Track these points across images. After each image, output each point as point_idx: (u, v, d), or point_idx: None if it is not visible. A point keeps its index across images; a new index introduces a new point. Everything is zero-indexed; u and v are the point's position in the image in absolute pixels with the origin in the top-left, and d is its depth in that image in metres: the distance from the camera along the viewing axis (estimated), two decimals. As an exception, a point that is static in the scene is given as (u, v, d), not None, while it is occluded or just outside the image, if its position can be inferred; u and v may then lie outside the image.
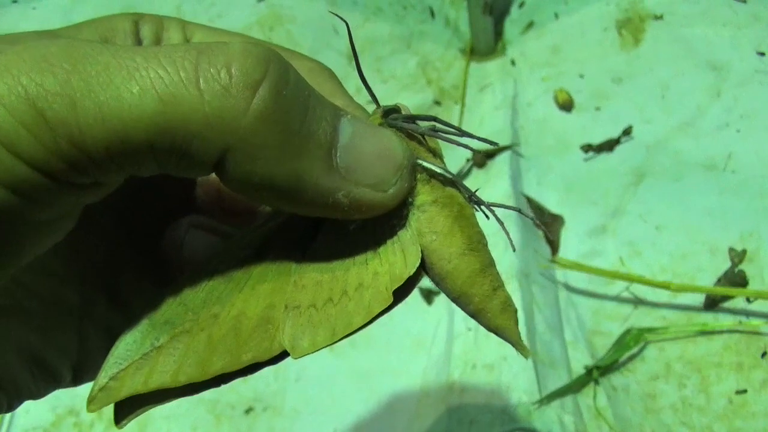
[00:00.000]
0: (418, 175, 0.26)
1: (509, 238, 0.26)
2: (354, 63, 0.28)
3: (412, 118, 0.26)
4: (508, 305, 0.26)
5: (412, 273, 0.25)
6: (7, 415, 0.78)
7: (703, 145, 0.85)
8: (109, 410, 0.26)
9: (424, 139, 0.27)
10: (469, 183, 0.90)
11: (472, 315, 0.26)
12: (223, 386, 0.26)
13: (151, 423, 0.77)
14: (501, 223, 0.26)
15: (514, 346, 0.26)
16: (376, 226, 0.26)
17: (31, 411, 0.79)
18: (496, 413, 0.67)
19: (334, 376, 0.78)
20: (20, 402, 0.28)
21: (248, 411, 0.76)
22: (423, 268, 0.26)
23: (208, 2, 1.11)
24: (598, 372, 0.71)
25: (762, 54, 0.89)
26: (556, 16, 1.05)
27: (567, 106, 0.95)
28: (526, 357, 0.26)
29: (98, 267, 0.30)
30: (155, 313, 0.26)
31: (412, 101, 0.98)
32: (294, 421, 0.75)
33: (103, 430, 0.77)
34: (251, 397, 0.77)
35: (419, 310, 0.81)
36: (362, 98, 0.29)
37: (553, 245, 0.84)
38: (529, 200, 0.87)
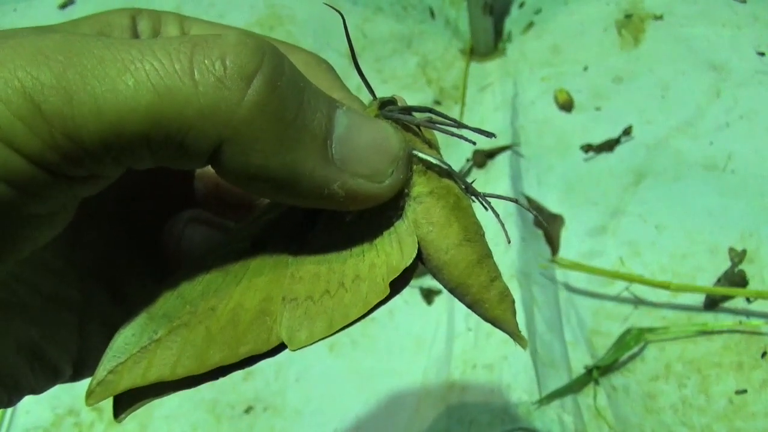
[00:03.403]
0: (414, 167, 0.26)
1: (504, 230, 0.26)
2: (355, 63, 0.28)
3: (408, 110, 0.26)
4: (505, 296, 0.26)
5: (408, 264, 0.25)
6: (8, 416, 0.78)
7: (703, 145, 0.85)
8: (109, 410, 0.26)
9: (420, 130, 0.27)
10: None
11: (470, 306, 0.26)
12: (222, 384, 0.26)
13: (151, 423, 0.76)
14: (496, 214, 0.26)
15: (511, 336, 0.26)
16: (373, 218, 0.26)
17: (31, 411, 0.79)
18: (496, 413, 0.67)
19: (334, 376, 0.78)
20: (20, 397, 0.28)
21: (248, 411, 0.76)
22: (420, 259, 0.26)
23: (207, 3, 1.12)
24: (598, 372, 0.71)
25: (762, 54, 0.89)
26: (556, 16, 1.05)
27: (567, 106, 0.95)
28: (524, 347, 0.26)
29: (98, 262, 0.30)
30: (153, 307, 0.26)
31: (412, 101, 0.97)
32: (294, 421, 0.75)
33: (103, 429, 0.77)
34: (251, 397, 0.77)
35: (419, 310, 0.81)
36: (363, 96, 0.29)
37: (553, 245, 0.84)
38: (529, 200, 0.87)
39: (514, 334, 0.26)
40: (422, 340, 0.79)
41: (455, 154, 0.92)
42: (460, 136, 0.26)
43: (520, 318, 0.71)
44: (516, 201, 0.27)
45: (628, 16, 0.99)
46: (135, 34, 0.27)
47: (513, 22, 1.09)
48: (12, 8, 1.20)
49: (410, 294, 0.82)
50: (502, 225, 0.26)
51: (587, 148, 0.90)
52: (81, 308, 0.29)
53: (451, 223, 0.25)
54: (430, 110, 0.27)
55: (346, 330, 0.25)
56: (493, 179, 0.88)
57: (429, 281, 0.82)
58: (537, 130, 0.95)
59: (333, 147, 0.23)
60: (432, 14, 1.10)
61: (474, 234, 0.26)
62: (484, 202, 0.26)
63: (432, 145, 0.27)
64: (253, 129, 0.21)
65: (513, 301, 0.26)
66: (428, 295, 0.82)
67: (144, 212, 0.32)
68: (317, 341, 0.25)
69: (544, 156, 0.92)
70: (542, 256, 0.82)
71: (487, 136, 0.26)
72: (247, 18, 1.09)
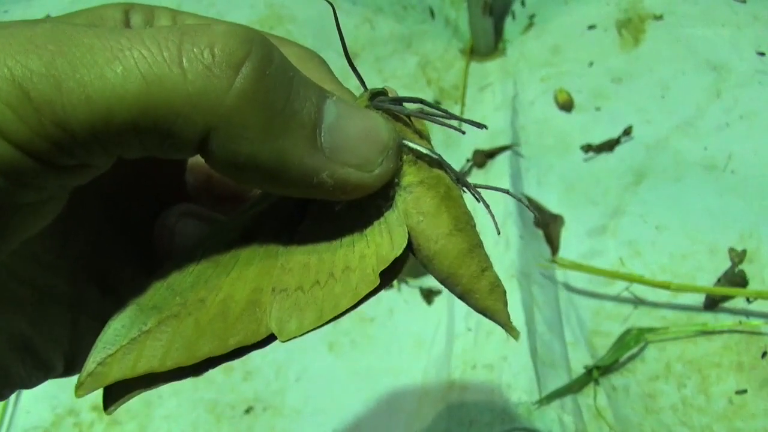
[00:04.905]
0: (405, 156, 0.26)
1: (494, 221, 0.26)
2: (346, 54, 0.28)
3: (399, 101, 0.26)
4: (496, 286, 0.26)
5: (398, 254, 0.25)
6: (7, 416, 0.78)
7: (703, 145, 0.85)
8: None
9: (411, 120, 0.27)
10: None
11: (461, 296, 0.26)
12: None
13: (150, 423, 0.76)
14: (486, 205, 0.26)
15: (503, 327, 0.26)
16: (363, 208, 0.26)
17: (31, 411, 0.79)
18: (496, 413, 0.66)
19: (334, 376, 0.78)
20: (12, 391, 0.28)
21: (248, 411, 0.76)
22: (410, 250, 0.26)
23: (207, 2, 1.12)
24: (598, 372, 0.70)
25: (762, 54, 0.89)
26: (556, 16, 1.05)
27: (567, 106, 0.95)
28: (515, 338, 0.26)
29: (89, 256, 0.30)
30: (143, 298, 0.26)
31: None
32: (294, 421, 0.75)
33: (103, 429, 0.77)
34: (251, 397, 0.77)
35: (419, 310, 0.81)
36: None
37: (553, 245, 0.84)
38: (529, 200, 0.87)
39: (506, 325, 0.26)
40: (422, 340, 0.79)
41: (455, 153, 0.92)
42: (451, 126, 0.26)
43: (521, 318, 0.71)
44: (507, 192, 0.27)
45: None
46: (128, 27, 0.27)
47: (513, 22, 1.09)
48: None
49: (410, 294, 0.82)
50: (492, 216, 0.26)
51: (587, 148, 0.90)
52: (72, 302, 0.29)
53: (441, 213, 0.25)
54: (421, 101, 0.27)
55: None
56: (493, 179, 0.88)
57: (429, 281, 0.82)
58: (537, 130, 0.95)
59: (322, 136, 0.23)
60: (432, 14, 1.10)
61: (464, 224, 0.26)
62: (474, 193, 0.26)
63: (423, 136, 0.27)
64: (241, 117, 0.21)
65: (504, 292, 0.26)
66: (428, 295, 0.82)
67: (135, 206, 0.32)
68: (307, 332, 0.25)
69: (544, 156, 0.92)
70: (542, 256, 0.82)
71: (477, 127, 0.26)
72: (247, 17, 1.10)
